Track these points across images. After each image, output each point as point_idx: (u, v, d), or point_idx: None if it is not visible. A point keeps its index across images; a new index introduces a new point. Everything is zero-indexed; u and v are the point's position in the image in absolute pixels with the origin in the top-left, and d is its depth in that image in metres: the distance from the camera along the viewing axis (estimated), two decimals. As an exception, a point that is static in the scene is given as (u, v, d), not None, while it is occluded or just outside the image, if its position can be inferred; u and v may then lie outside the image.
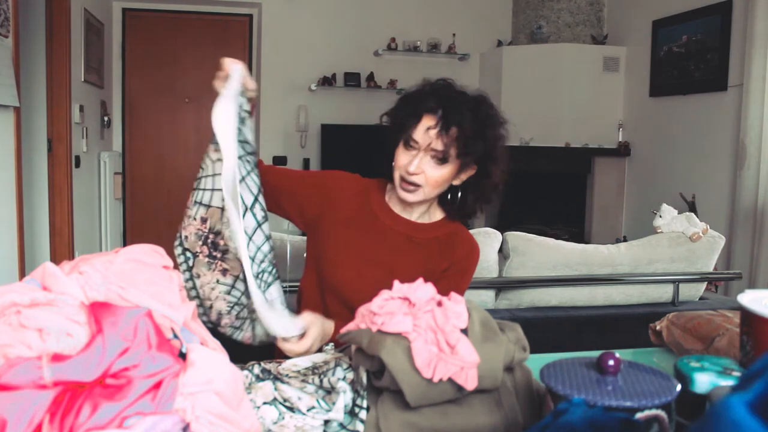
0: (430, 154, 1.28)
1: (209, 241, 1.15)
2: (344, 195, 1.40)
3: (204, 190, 1.16)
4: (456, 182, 1.35)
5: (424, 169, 1.29)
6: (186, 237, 1.16)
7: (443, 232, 1.39)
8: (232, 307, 1.18)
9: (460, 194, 1.37)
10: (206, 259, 1.15)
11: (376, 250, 1.35)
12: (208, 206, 1.15)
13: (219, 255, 1.16)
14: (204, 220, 1.15)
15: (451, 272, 1.38)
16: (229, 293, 1.17)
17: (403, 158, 1.31)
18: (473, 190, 1.37)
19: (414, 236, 1.38)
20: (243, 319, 1.19)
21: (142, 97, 5.35)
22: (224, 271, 1.16)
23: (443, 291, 1.34)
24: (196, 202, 1.16)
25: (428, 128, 1.27)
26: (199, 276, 1.17)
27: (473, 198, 1.38)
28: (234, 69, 1.13)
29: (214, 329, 1.19)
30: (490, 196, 1.39)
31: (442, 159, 1.28)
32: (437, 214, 1.41)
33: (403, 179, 1.31)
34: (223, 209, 1.15)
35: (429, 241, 1.38)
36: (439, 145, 1.27)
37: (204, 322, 1.13)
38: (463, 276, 1.40)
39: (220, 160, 1.14)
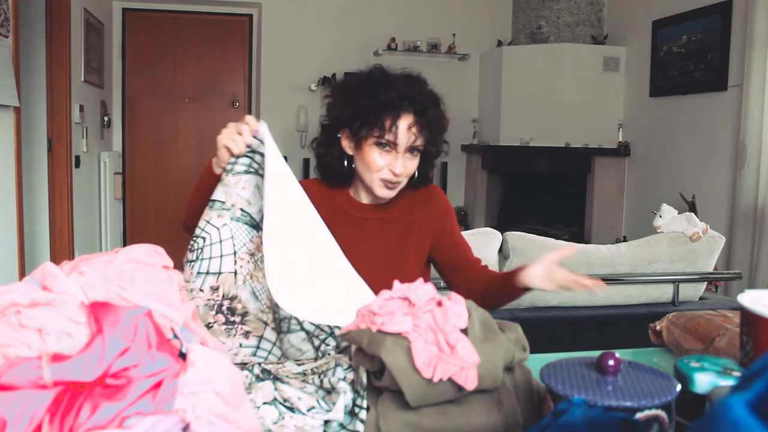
0: (408, 150, 1.30)
1: (224, 308, 1.12)
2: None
3: (210, 258, 1.12)
4: None
5: (405, 165, 1.31)
6: None
7: (406, 202, 1.44)
8: None
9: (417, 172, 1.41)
10: (223, 327, 1.11)
11: (356, 244, 1.35)
12: (218, 273, 1.12)
13: (238, 319, 1.12)
14: (215, 289, 1.12)
15: (447, 228, 1.43)
16: (254, 354, 1.12)
17: (380, 160, 1.30)
18: (426, 163, 1.41)
19: (385, 218, 1.41)
20: None
21: (142, 97, 5.35)
22: (246, 334, 1.12)
23: (459, 247, 1.43)
24: (199, 273, 1.12)
25: (409, 126, 1.27)
26: None
27: (428, 168, 1.43)
28: (263, 126, 1.12)
29: None
30: (434, 162, 1.46)
31: (418, 151, 1.32)
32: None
33: (386, 180, 1.32)
34: (236, 273, 1.12)
35: (400, 215, 1.42)
36: (419, 141, 1.29)
37: None
38: (452, 217, 1.47)
39: (225, 225, 1.12)
